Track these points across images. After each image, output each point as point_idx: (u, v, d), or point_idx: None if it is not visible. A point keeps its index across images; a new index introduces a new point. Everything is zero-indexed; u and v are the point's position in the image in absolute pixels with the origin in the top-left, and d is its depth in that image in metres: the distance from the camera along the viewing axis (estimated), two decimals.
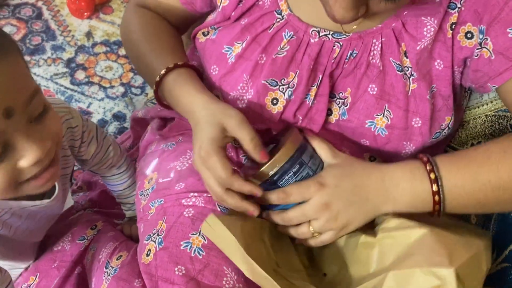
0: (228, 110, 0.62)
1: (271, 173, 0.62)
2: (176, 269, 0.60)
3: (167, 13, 0.79)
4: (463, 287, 0.52)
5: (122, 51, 1.38)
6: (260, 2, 0.68)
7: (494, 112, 0.72)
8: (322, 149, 0.65)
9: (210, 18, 0.74)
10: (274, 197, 0.63)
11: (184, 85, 0.67)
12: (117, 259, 0.70)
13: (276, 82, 0.66)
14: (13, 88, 0.44)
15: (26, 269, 0.77)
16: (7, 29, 1.39)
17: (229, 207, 0.64)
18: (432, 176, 0.59)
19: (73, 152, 0.72)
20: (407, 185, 0.60)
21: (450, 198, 0.59)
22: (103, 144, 0.77)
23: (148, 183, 0.74)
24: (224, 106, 0.63)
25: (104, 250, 0.73)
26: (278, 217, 0.65)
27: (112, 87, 1.33)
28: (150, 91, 1.35)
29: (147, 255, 0.64)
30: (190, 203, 0.66)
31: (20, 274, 0.75)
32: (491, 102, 0.73)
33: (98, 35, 1.39)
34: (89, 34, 1.40)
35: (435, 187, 0.59)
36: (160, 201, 0.69)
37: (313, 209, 0.61)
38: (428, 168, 0.60)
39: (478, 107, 0.75)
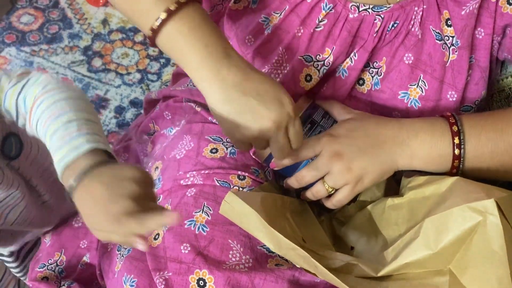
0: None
1: None
2: (181, 247, 0.60)
3: None
4: (505, 219, 0.48)
5: (138, 38, 1.38)
6: None
7: None
8: (334, 108, 0.63)
9: None
10: (286, 162, 0.61)
11: (198, 31, 0.54)
12: None
13: (311, 57, 0.64)
14: None
15: (44, 235, 0.76)
16: (25, 19, 1.41)
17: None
18: (455, 128, 0.56)
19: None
20: (426, 136, 0.57)
21: (471, 155, 0.56)
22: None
23: (155, 171, 0.73)
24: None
25: None
26: (293, 180, 0.63)
27: (128, 73, 1.34)
28: (166, 77, 1.35)
29: (155, 239, 0.63)
30: (189, 183, 0.65)
31: (37, 244, 0.74)
32: None
33: (114, 22, 1.40)
34: (105, 22, 1.40)
35: (456, 140, 0.56)
36: (165, 186, 0.68)
37: (325, 160, 0.58)
38: (450, 121, 0.57)
39: (503, 80, 0.72)
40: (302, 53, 0.64)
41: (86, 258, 0.75)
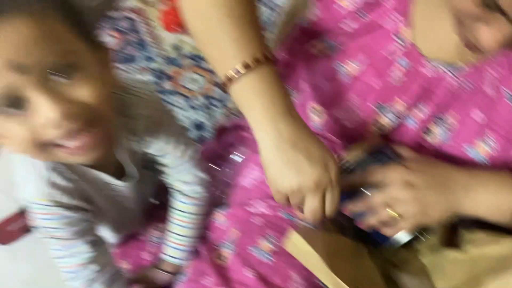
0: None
1: (347, 163, 0.64)
2: (247, 272, 0.63)
3: None
4: None
5: (207, 65, 1.46)
6: (383, 23, 0.65)
7: None
8: (402, 148, 0.65)
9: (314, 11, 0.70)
10: (356, 176, 0.62)
11: (266, 88, 0.56)
12: None
13: (383, 106, 0.66)
14: (33, 45, 0.42)
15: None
16: (107, 39, 1.50)
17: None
18: None
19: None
20: (496, 187, 0.60)
21: None
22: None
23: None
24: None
25: None
26: (361, 204, 0.63)
27: (194, 97, 1.41)
28: (231, 104, 1.42)
29: (220, 259, 0.67)
30: (257, 211, 0.69)
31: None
32: None
33: (186, 49, 1.49)
34: (177, 48, 1.49)
35: None
36: (233, 211, 0.72)
37: (397, 188, 0.59)
38: None
39: None
40: (373, 102, 0.66)
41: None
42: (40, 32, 0.42)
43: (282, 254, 0.64)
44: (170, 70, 1.46)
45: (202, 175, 0.72)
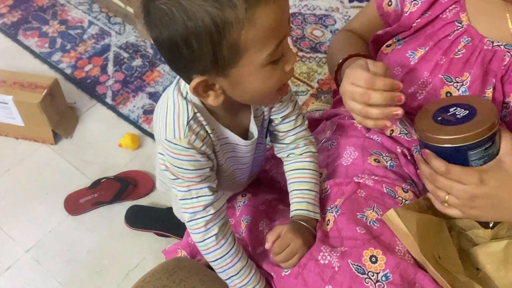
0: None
1: (468, 143, 0.64)
2: (357, 228, 0.70)
3: (364, 26, 0.95)
4: None
5: None
6: (444, 16, 0.79)
7: None
8: (505, 139, 0.65)
9: (388, 28, 0.87)
10: (441, 164, 0.65)
11: (353, 63, 0.76)
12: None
13: (452, 79, 0.75)
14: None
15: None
16: None
17: (374, 118, 0.69)
18: None
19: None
20: None
21: None
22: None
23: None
24: None
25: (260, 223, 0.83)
26: (434, 162, 0.66)
27: None
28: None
29: (327, 225, 0.74)
30: (361, 181, 0.76)
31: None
32: None
33: None
34: None
35: None
36: (333, 179, 0.79)
37: (461, 193, 0.64)
38: None
39: None
40: (443, 73, 0.76)
41: None
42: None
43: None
44: None
45: (312, 138, 0.82)
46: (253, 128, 0.73)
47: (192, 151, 0.65)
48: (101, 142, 1.43)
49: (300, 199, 0.77)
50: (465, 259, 0.76)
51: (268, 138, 0.83)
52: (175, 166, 0.67)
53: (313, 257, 0.69)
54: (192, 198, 0.69)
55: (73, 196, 1.30)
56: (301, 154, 0.80)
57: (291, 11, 1.74)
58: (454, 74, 0.76)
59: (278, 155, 0.83)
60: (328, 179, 0.81)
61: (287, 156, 0.82)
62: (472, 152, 0.65)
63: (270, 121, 0.78)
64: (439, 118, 0.68)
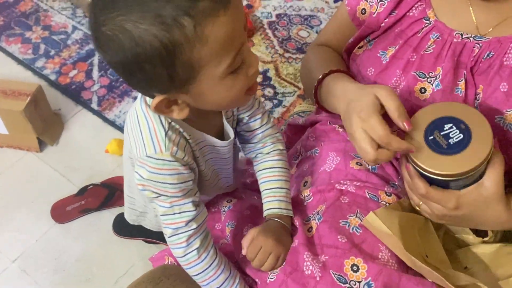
0: (378, 85, 0.71)
1: (453, 179, 0.64)
2: (338, 237, 0.70)
3: (339, 37, 0.94)
4: None
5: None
6: (411, 13, 0.80)
7: None
8: (492, 164, 0.65)
9: (357, 33, 0.87)
10: (421, 185, 0.67)
11: (338, 81, 0.78)
12: None
13: (424, 74, 0.76)
14: (243, 9, 0.57)
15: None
16: None
17: (382, 161, 0.70)
18: None
19: None
20: None
21: None
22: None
23: (304, 185, 0.85)
24: (373, 85, 0.72)
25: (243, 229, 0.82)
26: (416, 181, 0.68)
27: None
28: (277, 115, 1.50)
29: (309, 231, 0.73)
30: (343, 188, 0.76)
31: None
32: None
33: None
34: None
35: None
36: (316, 186, 0.79)
37: (435, 210, 0.69)
38: None
39: None
40: (415, 70, 0.77)
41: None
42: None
43: None
44: None
45: (279, 135, 0.82)
46: (228, 128, 0.73)
47: (175, 163, 0.64)
48: (88, 148, 1.41)
49: (271, 198, 0.77)
50: (452, 259, 0.76)
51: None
52: (157, 182, 0.64)
53: (299, 267, 0.69)
54: (174, 214, 0.67)
55: (59, 204, 1.29)
56: (268, 153, 0.80)
57: (276, 12, 1.74)
58: (427, 70, 0.76)
59: (247, 156, 0.83)
60: (313, 185, 0.81)
61: (255, 156, 0.82)
62: (453, 183, 0.65)
63: (238, 121, 0.77)
64: (430, 138, 0.64)
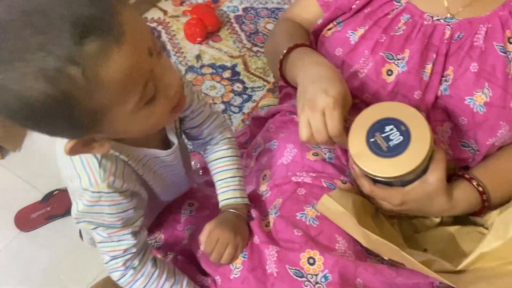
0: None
1: (394, 180, 0.67)
2: (294, 231, 0.69)
3: (304, 14, 0.93)
4: None
5: (225, 74, 1.54)
6: None
7: None
8: (436, 160, 0.67)
9: (327, 15, 0.86)
10: (366, 184, 0.70)
11: (304, 54, 0.77)
12: None
13: (393, 56, 0.75)
14: (147, 28, 0.50)
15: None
16: None
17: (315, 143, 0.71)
18: (480, 189, 0.72)
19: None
20: (464, 210, 0.74)
21: (493, 196, 0.73)
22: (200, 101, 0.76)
23: (263, 179, 0.83)
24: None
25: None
26: (360, 180, 0.72)
27: (214, 103, 1.47)
28: (247, 110, 1.48)
29: (267, 226, 0.72)
30: (299, 180, 0.75)
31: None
32: None
33: (206, 59, 1.57)
34: (198, 57, 1.57)
35: (484, 197, 0.72)
36: (273, 180, 0.78)
37: (383, 205, 0.73)
38: (473, 184, 0.72)
39: None
40: (383, 51, 0.77)
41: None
42: (141, 21, 0.49)
43: (327, 219, 0.70)
44: (191, 77, 1.53)
45: (226, 123, 0.79)
46: (171, 135, 0.69)
47: (113, 194, 0.59)
48: (52, 153, 1.35)
49: (225, 189, 0.75)
50: (411, 244, 0.76)
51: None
52: (94, 213, 0.60)
53: (261, 265, 0.68)
54: (112, 242, 0.64)
55: (24, 211, 1.25)
56: (217, 143, 0.78)
57: (243, 5, 1.71)
58: (395, 52, 0.76)
59: (196, 150, 0.81)
60: (271, 178, 0.80)
61: (205, 149, 0.79)
62: (395, 182, 0.68)
63: (181, 119, 0.74)
64: (371, 140, 0.66)
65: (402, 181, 0.68)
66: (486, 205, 0.72)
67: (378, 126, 0.66)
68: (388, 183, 0.68)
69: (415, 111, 0.67)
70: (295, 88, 0.76)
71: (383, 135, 0.65)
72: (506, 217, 0.63)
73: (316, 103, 0.65)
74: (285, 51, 0.80)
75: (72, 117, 0.47)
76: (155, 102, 0.52)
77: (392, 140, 0.64)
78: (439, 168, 0.66)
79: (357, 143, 0.66)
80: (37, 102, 0.44)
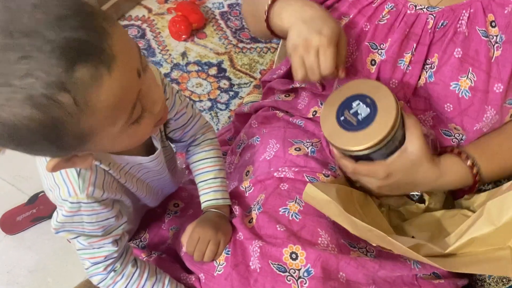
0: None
1: (368, 152, 0.67)
2: (277, 226, 0.69)
3: None
4: None
5: (211, 71, 1.53)
6: None
7: None
8: (409, 128, 0.68)
9: None
10: (348, 164, 0.70)
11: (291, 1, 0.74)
12: None
13: (376, 45, 0.75)
14: (135, 47, 0.49)
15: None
16: None
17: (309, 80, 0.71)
18: (469, 163, 0.71)
19: None
20: (455, 183, 0.73)
21: (484, 170, 0.72)
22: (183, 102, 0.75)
23: (246, 175, 0.83)
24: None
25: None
26: (341, 161, 0.72)
27: (200, 101, 1.46)
28: (233, 107, 1.47)
29: (250, 222, 0.72)
30: (282, 176, 0.75)
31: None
32: None
33: (191, 56, 1.56)
34: (184, 54, 1.56)
35: (474, 170, 0.71)
36: (255, 176, 0.78)
37: (369, 184, 0.72)
38: (463, 158, 0.72)
39: None
40: (368, 41, 0.75)
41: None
42: (130, 41, 0.48)
43: (310, 214, 0.70)
44: (177, 75, 1.52)
45: (209, 124, 0.80)
46: (154, 139, 0.67)
47: (93, 204, 0.58)
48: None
49: (206, 190, 0.75)
50: (398, 232, 0.76)
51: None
52: (74, 222, 0.59)
53: (244, 261, 0.67)
54: (93, 249, 0.63)
55: (9, 214, 1.23)
56: (199, 144, 0.78)
57: (228, 2, 1.70)
58: (378, 41, 0.75)
59: (178, 151, 0.81)
60: (254, 174, 0.79)
61: (187, 150, 0.79)
62: (374, 154, 0.68)
63: (166, 123, 0.73)
64: (341, 118, 0.67)
65: (381, 153, 0.68)
66: (478, 179, 0.71)
67: (346, 104, 0.68)
68: (367, 157, 0.68)
69: (378, 83, 0.68)
70: (284, 39, 0.74)
71: (351, 111, 0.67)
72: (501, 203, 0.61)
73: (311, 43, 0.66)
74: (269, 2, 0.76)
75: (59, 140, 0.46)
76: (141, 120, 0.51)
77: (360, 114, 0.66)
78: (414, 134, 0.67)
79: (329, 125, 0.68)
80: (23, 127, 0.43)
